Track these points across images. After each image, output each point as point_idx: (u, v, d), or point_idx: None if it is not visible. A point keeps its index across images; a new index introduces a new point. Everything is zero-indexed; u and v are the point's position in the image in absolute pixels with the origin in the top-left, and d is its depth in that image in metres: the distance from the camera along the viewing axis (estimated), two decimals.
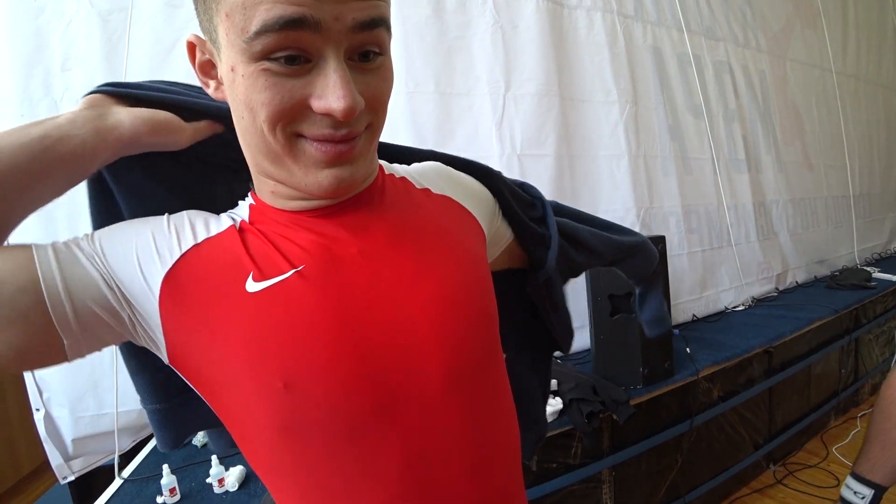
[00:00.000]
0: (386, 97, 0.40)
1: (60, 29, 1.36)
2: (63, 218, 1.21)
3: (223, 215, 0.45)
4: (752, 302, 2.51)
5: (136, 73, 1.42)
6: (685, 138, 2.36)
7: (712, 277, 2.39)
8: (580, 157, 2.00)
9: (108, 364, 1.39)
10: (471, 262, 0.48)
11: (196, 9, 0.39)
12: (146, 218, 0.43)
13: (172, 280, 0.39)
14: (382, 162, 0.52)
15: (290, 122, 0.36)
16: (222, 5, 0.34)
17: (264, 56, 0.33)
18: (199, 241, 0.41)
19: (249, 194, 0.47)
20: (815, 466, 2.05)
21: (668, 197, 2.23)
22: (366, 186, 0.46)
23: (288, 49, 0.33)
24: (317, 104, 0.35)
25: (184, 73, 1.44)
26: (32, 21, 1.35)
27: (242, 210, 0.45)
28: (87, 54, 1.38)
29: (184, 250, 0.40)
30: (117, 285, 0.38)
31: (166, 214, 0.43)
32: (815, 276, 3.04)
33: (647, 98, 2.23)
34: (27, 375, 1.37)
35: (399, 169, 0.53)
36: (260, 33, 0.32)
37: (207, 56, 0.40)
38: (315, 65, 0.34)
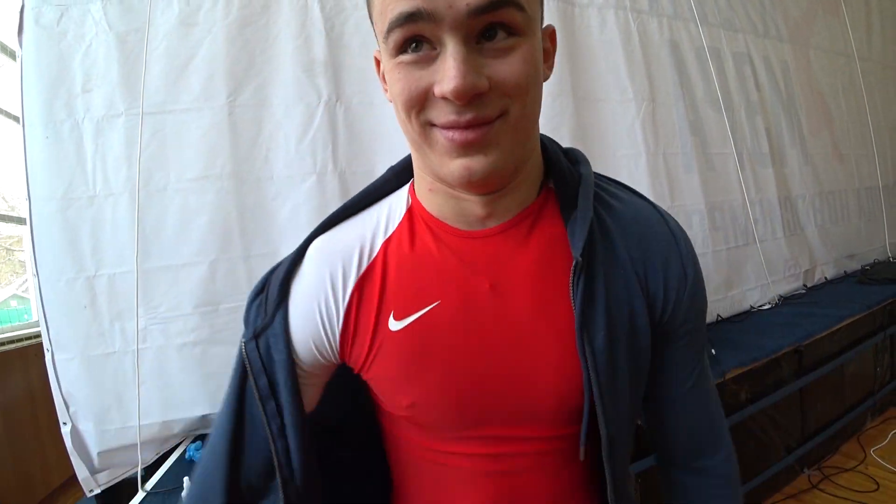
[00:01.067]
0: (522, 80, 0.36)
1: (81, 52, 1.42)
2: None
3: (371, 228, 0.48)
4: (778, 300, 2.43)
5: (153, 90, 1.46)
6: (706, 133, 2.30)
7: (737, 276, 2.33)
8: (597, 157, 1.97)
9: (130, 377, 1.43)
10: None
11: (370, 19, 0.43)
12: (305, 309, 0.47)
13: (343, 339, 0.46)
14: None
15: (420, 110, 0.37)
16: (373, 17, 0.39)
17: (397, 51, 0.36)
18: (348, 293, 0.46)
19: (408, 191, 0.49)
20: (853, 470, 1.97)
21: (689, 194, 2.18)
22: (520, 210, 0.44)
23: (412, 41, 0.35)
24: (437, 89, 0.35)
25: (199, 89, 1.48)
26: (56, 46, 1.40)
27: (394, 216, 0.48)
28: (105, 74, 1.44)
29: (340, 324, 0.46)
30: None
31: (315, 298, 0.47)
32: (846, 272, 2.93)
33: (666, 94, 2.18)
34: (55, 390, 1.41)
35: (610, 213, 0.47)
36: (390, 30, 0.35)
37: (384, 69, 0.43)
38: (439, 53, 0.35)
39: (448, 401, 0.44)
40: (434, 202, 0.45)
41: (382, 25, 0.36)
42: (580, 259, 0.41)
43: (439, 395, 0.44)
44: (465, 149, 0.36)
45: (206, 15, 1.52)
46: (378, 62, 0.44)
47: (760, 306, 2.36)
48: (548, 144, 0.49)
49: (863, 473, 1.95)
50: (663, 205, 2.25)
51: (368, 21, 0.41)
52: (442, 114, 0.36)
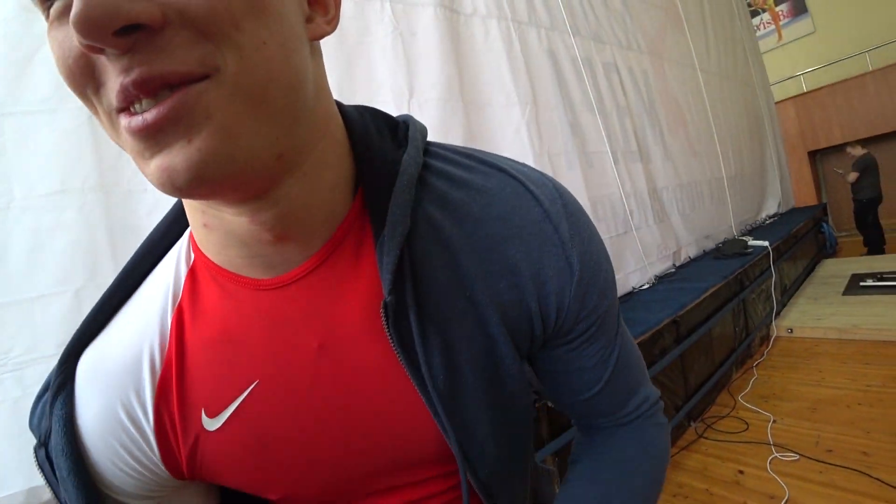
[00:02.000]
0: (224, 8, 0.22)
1: None
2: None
3: (154, 312, 0.35)
4: (654, 280, 2.76)
5: None
6: (585, 134, 2.54)
7: (620, 262, 2.59)
8: None
9: None
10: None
11: None
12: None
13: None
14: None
15: (92, 87, 0.24)
16: None
17: (45, 15, 0.25)
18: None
19: (188, 239, 0.37)
20: (728, 417, 2.30)
21: (574, 190, 2.35)
22: (330, 231, 0.33)
23: None
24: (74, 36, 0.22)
25: (50, 87, 1.28)
26: None
27: (176, 281, 0.36)
28: None
29: (157, 452, 0.35)
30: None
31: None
32: (704, 250, 3.43)
33: (547, 99, 2.36)
34: None
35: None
36: None
37: None
38: None
39: (314, 484, 0.37)
40: (215, 244, 0.33)
41: None
42: (389, 298, 0.31)
43: (302, 483, 0.37)
44: (153, 138, 0.23)
45: None
46: None
47: (641, 286, 2.65)
48: (355, 120, 0.35)
49: (735, 417, 2.28)
50: None
51: None
52: (109, 80, 0.23)
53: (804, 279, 4.24)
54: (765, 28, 7.94)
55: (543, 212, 0.35)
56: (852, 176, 5.28)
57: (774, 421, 2.17)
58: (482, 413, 0.35)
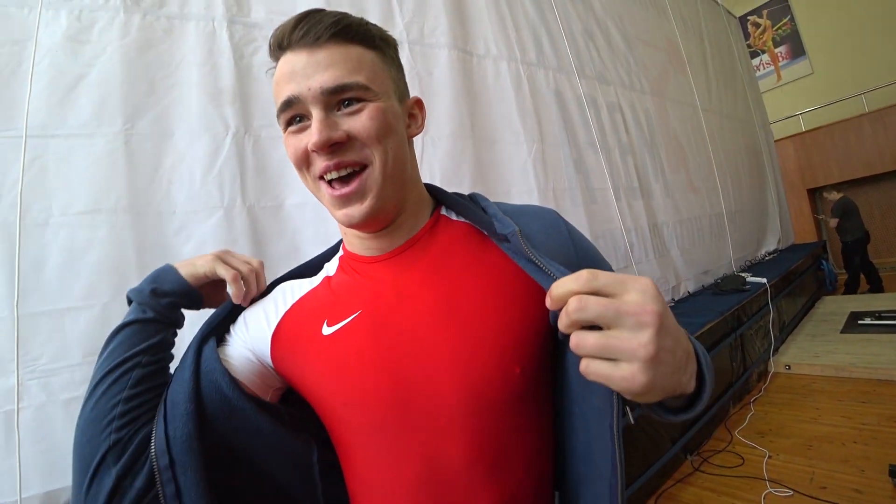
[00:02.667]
0: (372, 130, 0.48)
1: None
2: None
3: (319, 274, 0.63)
4: None
5: (33, 110, 1.32)
6: (588, 171, 2.64)
7: None
8: (494, 193, 2.16)
9: (2, 444, 1.23)
10: (507, 308, 0.52)
11: None
12: (252, 312, 0.61)
13: (275, 340, 0.57)
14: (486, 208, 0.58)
15: (306, 166, 0.51)
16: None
17: (286, 126, 0.51)
18: (288, 307, 0.59)
19: (341, 247, 0.64)
20: (724, 451, 2.32)
21: (577, 225, 2.39)
22: (407, 237, 0.56)
23: (294, 118, 0.50)
24: (308, 146, 0.48)
25: (89, 113, 1.38)
26: None
27: (333, 263, 0.63)
28: None
29: (274, 324, 0.58)
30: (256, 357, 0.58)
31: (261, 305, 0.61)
32: (703, 286, 3.49)
33: (553, 136, 2.47)
34: None
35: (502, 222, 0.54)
36: (279, 114, 0.50)
37: None
38: (311, 123, 0.49)
39: (373, 393, 0.50)
40: (351, 242, 0.60)
41: (277, 109, 0.50)
42: (516, 227, 0.50)
43: (363, 388, 0.50)
44: (344, 199, 0.49)
45: (101, 34, 1.43)
46: None
47: None
48: (432, 188, 0.62)
49: (731, 452, 2.30)
50: None
51: None
52: (318, 165, 0.49)
53: (803, 316, 4.28)
54: (764, 68, 8.18)
55: (556, 215, 0.60)
56: (833, 221, 5.31)
57: (770, 456, 2.19)
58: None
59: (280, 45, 0.50)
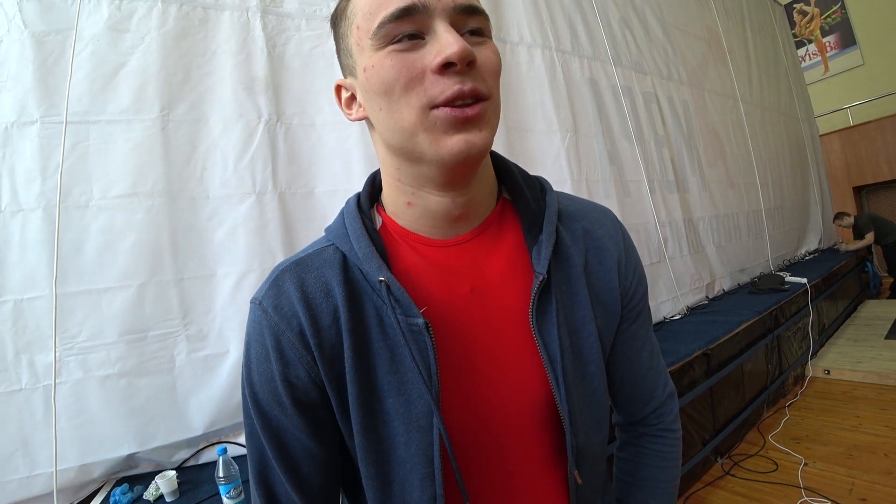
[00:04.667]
0: (495, 66, 0.41)
1: None
2: None
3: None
4: (686, 311, 2.72)
5: (75, 97, 1.36)
6: (622, 162, 2.57)
7: (652, 290, 2.58)
8: None
9: (40, 418, 1.28)
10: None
11: (338, 54, 0.47)
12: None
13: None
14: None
15: (420, 90, 0.39)
16: (354, 21, 0.41)
17: (388, 42, 0.39)
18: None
19: (377, 212, 0.51)
20: (756, 455, 2.23)
21: None
22: (485, 215, 0.49)
23: (405, 30, 0.39)
24: (437, 60, 0.38)
25: (128, 100, 1.41)
26: None
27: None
28: (18, 77, 1.33)
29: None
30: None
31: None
32: (739, 284, 3.36)
33: (587, 127, 2.41)
34: None
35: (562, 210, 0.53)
36: (382, 24, 0.38)
37: (350, 92, 0.46)
38: (428, 39, 0.39)
39: (467, 396, 0.45)
40: (411, 216, 0.47)
41: (371, 24, 0.39)
42: (544, 275, 0.45)
43: (457, 389, 0.45)
44: (466, 124, 0.39)
45: (140, 22, 1.45)
46: (339, 90, 0.47)
47: (672, 317, 2.62)
48: (496, 155, 0.54)
49: (764, 457, 2.21)
50: None
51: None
52: (446, 87, 0.38)
53: (844, 319, 4.08)
54: (811, 59, 7.78)
55: (616, 220, 0.55)
56: (869, 237, 4.87)
57: (806, 464, 2.10)
58: (580, 382, 0.48)
59: None
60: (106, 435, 1.33)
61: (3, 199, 1.31)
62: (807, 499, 1.84)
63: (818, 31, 7.71)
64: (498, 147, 2.00)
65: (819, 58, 7.76)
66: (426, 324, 0.42)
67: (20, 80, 1.32)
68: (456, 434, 0.44)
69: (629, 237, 0.55)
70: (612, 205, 2.43)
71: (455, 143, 0.39)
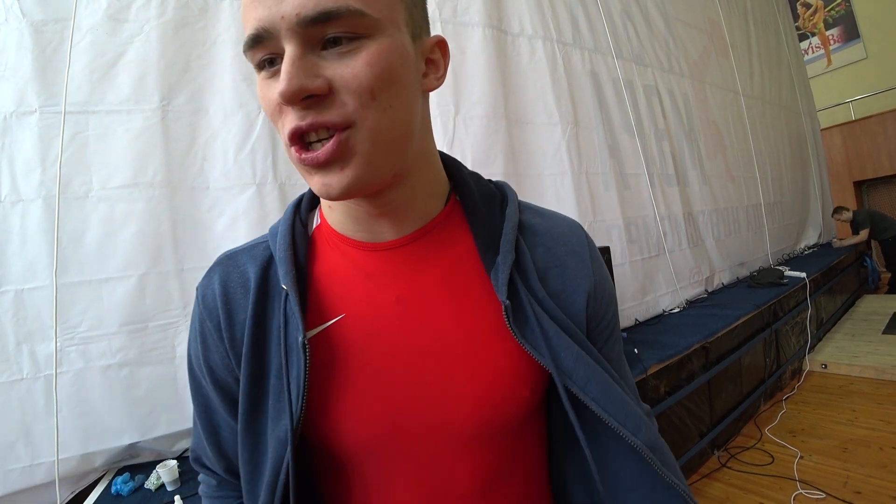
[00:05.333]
0: (365, 80, 0.34)
1: None
2: None
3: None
4: (685, 304, 2.73)
5: (75, 87, 1.36)
6: (622, 155, 2.56)
7: (651, 283, 2.58)
8: (527, 175, 2.12)
9: (41, 407, 1.29)
10: None
11: None
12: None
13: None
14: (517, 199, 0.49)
15: (280, 123, 0.36)
16: None
17: (258, 69, 0.37)
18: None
19: (317, 212, 0.49)
20: (753, 448, 2.25)
21: (609, 211, 2.40)
22: (423, 222, 0.44)
23: (261, 57, 0.36)
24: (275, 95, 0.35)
25: (128, 90, 1.40)
26: None
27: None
28: (17, 66, 1.32)
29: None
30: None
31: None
32: (738, 277, 3.37)
33: (587, 119, 2.40)
34: None
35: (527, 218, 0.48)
36: (245, 52, 0.36)
37: None
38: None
39: (365, 413, 0.42)
40: (336, 217, 0.45)
41: (243, 46, 0.36)
42: (507, 302, 0.41)
43: (352, 406, 0.42)
44: (318, 167, 0.35)
45: (139, 12, 1.44)
46: None
47: (671, 310, 2.63)
48: (448, 158, 0.50)
49: (760, 450, 2.23)
50: (586, 220, 2.43)
51: None
52: (288, 122, 0.35)
53: (843, 314, 4.10)
54: (813, 52, 7.73)
55: (584, 238, 0.49)
56: (864, 232, 4.88)
57: (801, 457, 2.12)
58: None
59: None
60: (107, 425, 1.34)
61: (3, 190, 1.30)
62: (802, 491, 1.86)
63: (822, 24, 7.66)
64: (498, 140, 2.03)
65: (822, 51, 7.71)
66: (304, 344, 0.40)
67: (19, 70, 1.32)
68: (342, 451, 0.43)
69: (598, 255, 0.50)
70: (612, 197, 2.43)
71: (315, 184, 0.37)
